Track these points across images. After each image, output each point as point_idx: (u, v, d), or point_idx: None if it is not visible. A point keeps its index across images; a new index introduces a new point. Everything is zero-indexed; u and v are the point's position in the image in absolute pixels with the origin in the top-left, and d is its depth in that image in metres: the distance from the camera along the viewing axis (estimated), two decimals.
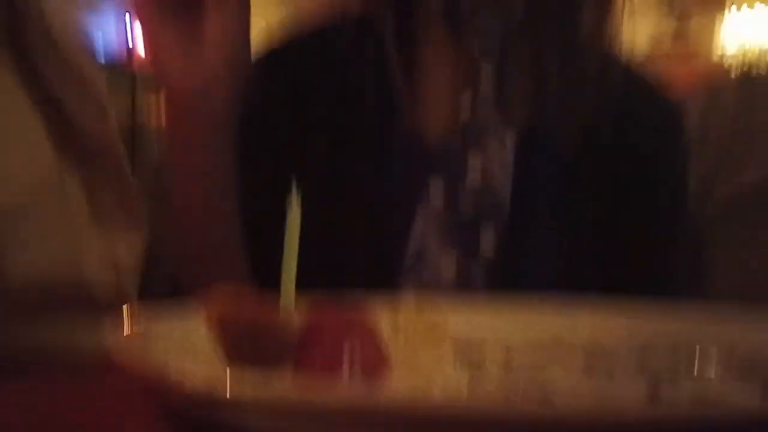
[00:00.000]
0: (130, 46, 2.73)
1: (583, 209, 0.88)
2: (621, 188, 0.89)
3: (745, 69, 1.55)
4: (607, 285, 0.86)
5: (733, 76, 1.57)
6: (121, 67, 2.64)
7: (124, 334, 0.42)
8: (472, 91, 0.84)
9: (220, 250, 0.85)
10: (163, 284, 0.83)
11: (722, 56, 4.98)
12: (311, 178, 0.87)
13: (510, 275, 0.85)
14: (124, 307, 0.60)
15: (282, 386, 0.30)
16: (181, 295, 0.83)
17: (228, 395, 0.30)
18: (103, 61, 2.40)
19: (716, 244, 1.26)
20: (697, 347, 0.55)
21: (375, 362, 0.37)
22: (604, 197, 0.88)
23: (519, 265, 0.86)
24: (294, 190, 0.40)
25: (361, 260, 0.85)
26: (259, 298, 0.39)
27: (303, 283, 0.69)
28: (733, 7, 4.81)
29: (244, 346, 0.37)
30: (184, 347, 0.42)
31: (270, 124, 0.89)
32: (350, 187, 0.87)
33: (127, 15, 2.66)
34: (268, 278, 0.63)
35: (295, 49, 0.92)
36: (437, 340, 0.45)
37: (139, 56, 2.75)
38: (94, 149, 0.59)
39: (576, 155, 0.86)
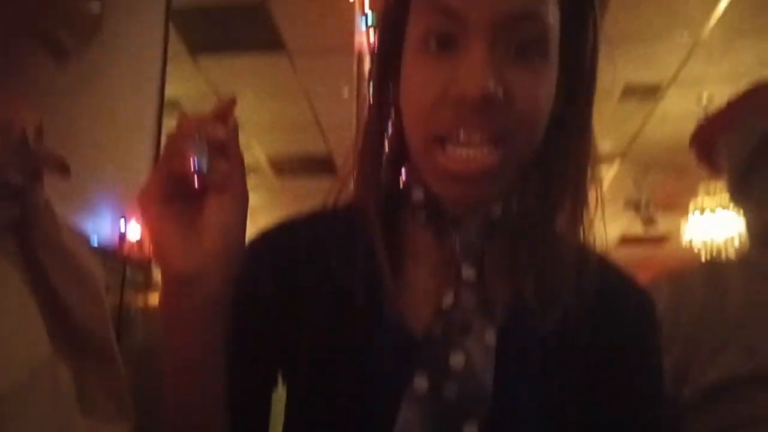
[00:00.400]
0: (122, 233, 2.81)
1: (564, 398, 0.89)
2: (599, 377, 0.91)
3: (712, 259, 1.57)
4: None
5: (700, 266, 1.57)
6: (113, 252, 2.70)
7: None
8: (454, 286, 0.88)
9: None
10: None
11: (689, 248, 5.15)
12: (298, 363, 0.88)
13: None
14: None
15: None
16: None
17: None
18: (96, 245, 2.46)
19: None
20: None
21: None
22: (583, 387, 0.90)
23: None
24: (280, 383, 0.42)
25: None
26: None
27: None
28: (696, 212, 5.05)
29: None
30: None
31: (259, 307, 0.91)
32: (336, 374, 0.88)
33: (120, 213, 2.78)
34: None
35: (286, 234, 0.96)
36: None
37: (130, 244, 2.83)
38: (87, 339, 0.61)
39: (555, 346, 0.89)
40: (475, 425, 0.85)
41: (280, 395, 0.42)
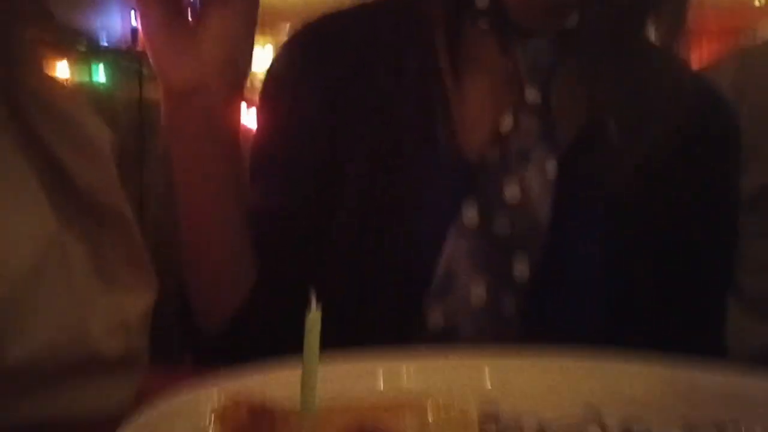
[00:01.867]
0: (133, 27, 2.69)
1: (626, 235, 0.83)
2: (676, 206, 0.84)
3: None
4: (642, 317, 0.82)
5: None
6: (126, 50, 2.61)
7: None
8: (515, 108, 0.80)
9: (228, 260, 0.82)
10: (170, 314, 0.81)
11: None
12: (346, 184, 0.83)
13: (542, 303, 0.81)
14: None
15: None
16: (189, 320, 0.81)
17: None
18: (107, 44, 2.36)
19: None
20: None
21: None
22: (649, 223, 0.83)
23: (552, 293, 0.81)
24: (313, 302, 0.37)
25: (390, 276, 0.82)
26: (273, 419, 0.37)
27: (333, 297, 0.66)
28: None
29: None
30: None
31: (302, 107, 0.85)
32: (378, 197, 0.83)
33: (130, 6, 2.64)
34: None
35: (330, 29, 0.87)
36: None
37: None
38: (96, 207, 0.56)
39: (627, 179, 0.81)
40: (525, 261, 0.80)
41: (315, 317, 0.37)
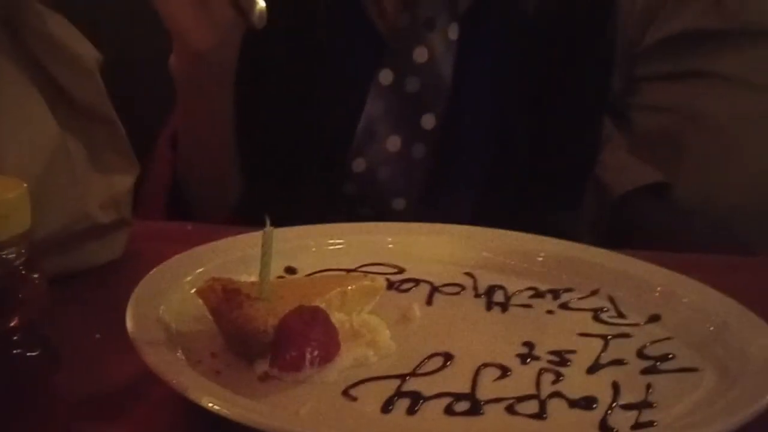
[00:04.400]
0: None
1: (516, 88, 1.00)
2: (555, 64, 1.01)
3: None
4: (524, 154, 1.01)
5: None
6: None
7: None
8: None
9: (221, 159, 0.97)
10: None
11: None
12: (273, 57, 0.97)
13: (445, 148, 1.00)
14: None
15: None
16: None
17: None
18: None
19: (640, 88, 1.37)
20: None
21: (330, 346, 0.53)
22: (538, 77, 1.00)
23: (453, 138, 1.00)
24: (267, 225, 0.53)
25: (317, 136, 0.99)
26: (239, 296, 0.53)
27: (273, 155, 0.83)
28: None
29: (234, 342, 0.53)
30: None
31: None
32: (303, 73, 0.97)
33: None
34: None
35: None
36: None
37: None
38: (88, 111, 0.70)
39: (521, 34, 0.97)
40: (432, 116, 0.98)
41: (269, 233, 0.53)
